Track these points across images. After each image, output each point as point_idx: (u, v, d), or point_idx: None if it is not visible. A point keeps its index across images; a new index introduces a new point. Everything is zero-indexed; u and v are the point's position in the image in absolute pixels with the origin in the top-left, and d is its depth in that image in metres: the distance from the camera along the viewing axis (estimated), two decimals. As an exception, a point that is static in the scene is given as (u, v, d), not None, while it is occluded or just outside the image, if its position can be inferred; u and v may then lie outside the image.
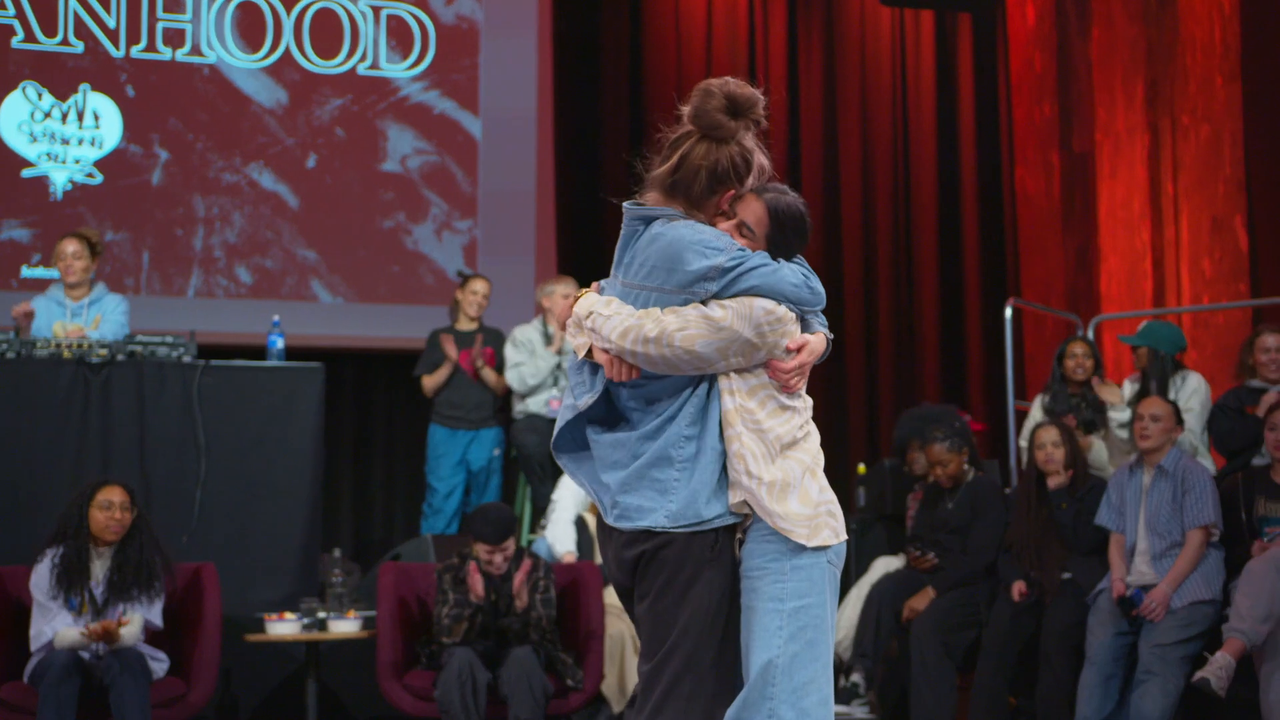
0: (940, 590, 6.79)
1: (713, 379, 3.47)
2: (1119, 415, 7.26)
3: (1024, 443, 7.35)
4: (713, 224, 3.61)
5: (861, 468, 8.63)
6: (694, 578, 3.43)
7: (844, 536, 3.55)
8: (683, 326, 3.40)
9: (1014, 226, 11.40)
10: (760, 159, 3.65)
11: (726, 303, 3.43)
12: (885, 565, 7.35)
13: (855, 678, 6.93)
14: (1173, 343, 7.35)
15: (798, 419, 3.55)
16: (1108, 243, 10.88)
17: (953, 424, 7.13)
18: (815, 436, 3.60)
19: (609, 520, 3.50)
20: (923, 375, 11.03)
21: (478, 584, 6.21)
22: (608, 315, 3.50)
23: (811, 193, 11.01)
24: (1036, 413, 7.58)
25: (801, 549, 3.46)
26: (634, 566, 3.48)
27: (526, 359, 8.04)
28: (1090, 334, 8.90)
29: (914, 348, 11.09)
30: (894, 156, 11.24)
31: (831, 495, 3.56)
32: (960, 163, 11.35)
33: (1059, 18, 11.34)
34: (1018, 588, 6.56)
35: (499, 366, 8.16)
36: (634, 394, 3.50)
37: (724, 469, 3.47)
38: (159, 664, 6.06)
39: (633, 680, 6.57)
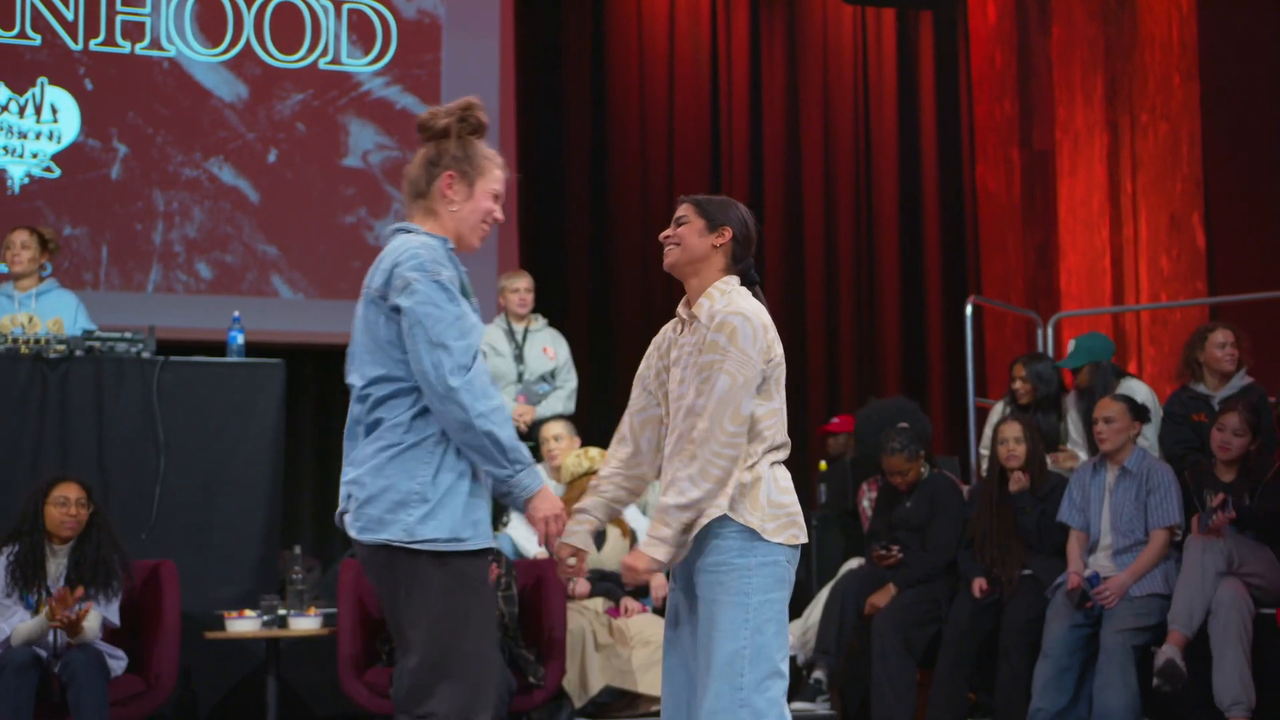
0: (901, 586, 6.81)
1: None
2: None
3: (985, 448, 7.38)
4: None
5: (823, 465, 8.64)
6: None
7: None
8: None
9: (975, 223, 11.45)
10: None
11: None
12: (849, 564, 7.38)
13: (818, 674, 6.95)
14: (1107, 350, 7.47)
15: None
16: (1067, 240, 10.93)
17: (907, 430, 7.10)
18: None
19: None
20: (884, 372, 11.06)
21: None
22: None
23: (774, 190, 11.06)
24: (999, 410, 7.61)
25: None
26: None
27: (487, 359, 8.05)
28: (1050, 331, 8.94)
29: (875, 344, 11.13)
30: (855, 153, 11.28)
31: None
32: (921, 160, 11.39)
33: (1019, 15, 11.39)
34: (978, 584, 6.60)
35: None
36: None
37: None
38: (117, 662, 6.03)
39: (594, 676, 6.61)
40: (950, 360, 10.90)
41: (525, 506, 3.55)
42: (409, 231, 3.63)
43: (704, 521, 3.57)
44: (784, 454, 3.71)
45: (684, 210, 3.87)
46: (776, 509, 3.61)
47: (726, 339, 3.63)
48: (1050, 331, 8.96)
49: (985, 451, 7.34)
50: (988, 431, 7.44)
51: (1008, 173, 11.42)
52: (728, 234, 3.81)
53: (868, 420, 7.82)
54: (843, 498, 7.96)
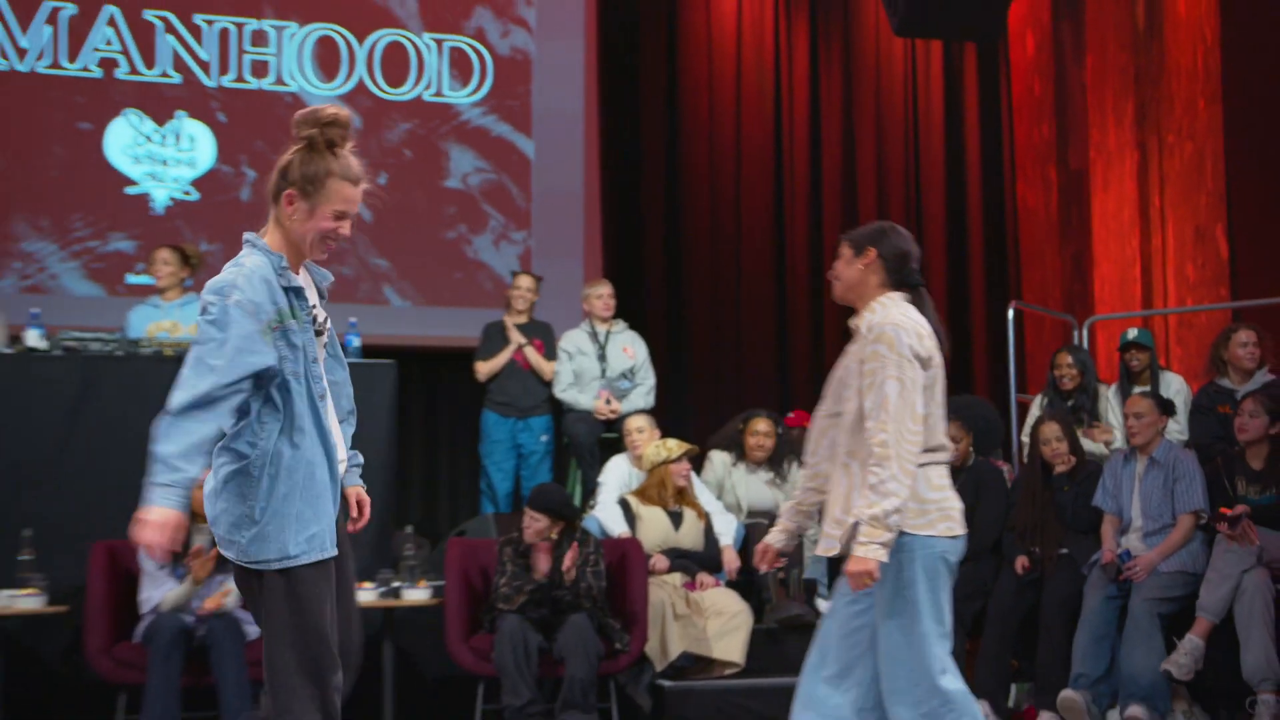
0: (950, 563, 6.82)
1: None
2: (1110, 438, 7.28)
3: (1025, 436, 7.37)
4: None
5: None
6: None
7: None
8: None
9: (1015, 236, 11.39)
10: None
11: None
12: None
13: (874, 642, 6.95)
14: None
15: None
16: (1100, 250, 10.86)
17: (963, 415, 7.09)
18: None
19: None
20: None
21: (542, 563, 6.27)
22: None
23: (831, 206, 11.04)
24: (1037, 410, 7.59)
25: None
26: None
27: (566, 363, 8.11)
28: (1085, 333, 8.91)
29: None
30: (906, 172, 11.24)
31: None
32: (966, 178, 11.34)
33: (1056, 47, 11.33)
34: (1020, 563, 6.59)
35: (549, 356, 8.20)
36: None
37: None
38: (252, 627, 6.09)
39: (673, 643, 6.62)
40: (993, 359, 10.86)
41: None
42: (251, 244, 3.45)
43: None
44: (938, 455, 3.63)
45: (840, 247, 3.87)
46: (925, 504, 3.56)
47: (886, 348, 3.61)
48: (1085, 333, 8.92)
49: (1025, 439, 7.33)
50: (1028, 423, 7.43)
51: (1045, 190, 11.37)
52: (872, 254, 3.79)
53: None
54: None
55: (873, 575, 3.50)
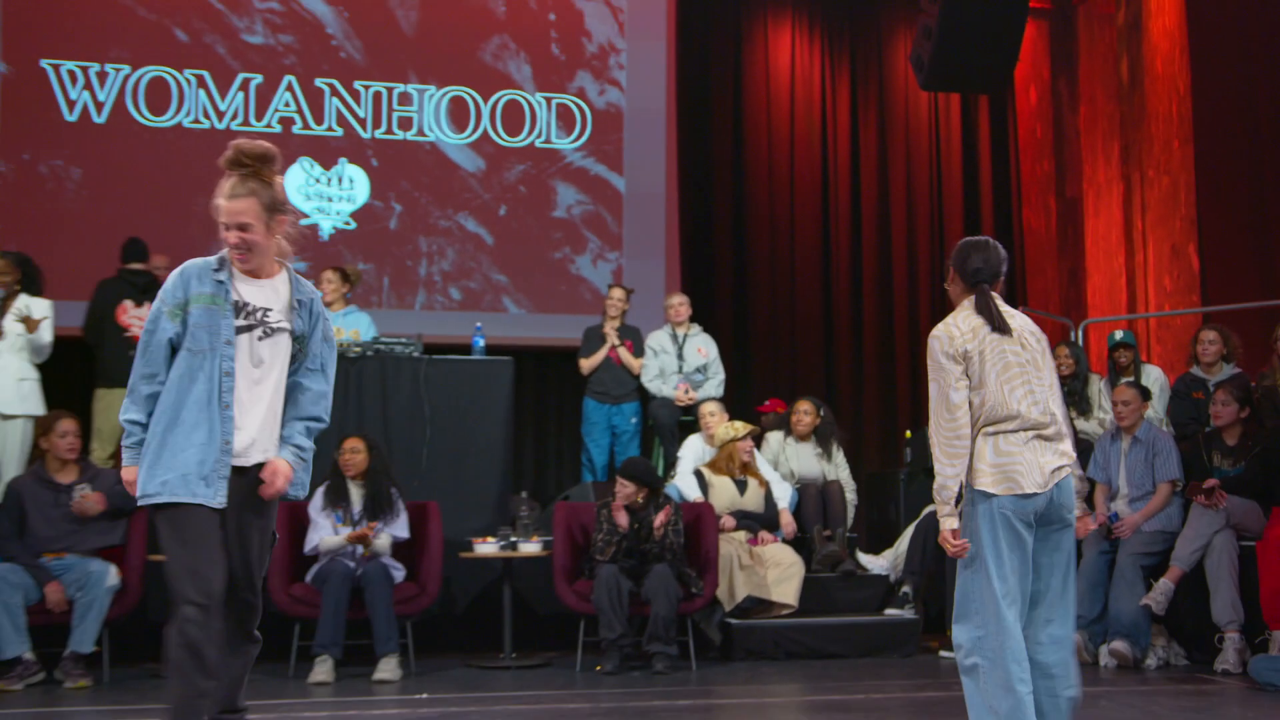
0: (967, 524, 6.74)
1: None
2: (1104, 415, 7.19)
3: None
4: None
5: (909, 433, 8.57)
6: None
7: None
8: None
9: (1021, 252, 11.24)
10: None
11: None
12: (929, 508, 7.31)
13: (906, 588, 6.91)
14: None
15: None
16: (1092, 264, 10.72)
17: None
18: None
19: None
20: (952, 364, 10.90)
21: (620, 517, 6.29)
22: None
23: (869, 230, 10.95)
24: None
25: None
26: None
27: (652, 359, 8.10)
28: (1080, 333, 8.78)
29: (946, 344, 10.96)
30: (930, 198, 11.13)
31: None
32: (980, 204, 11.21)
33: (1054, 97, 11.19)
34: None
35: (637, 354, 8.20)
36: None
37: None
38: (398, 572, 6.19)
39: (739, 588, 6.60)
40: (1003, 355, 10.70)
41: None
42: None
43: (953, 488, 3.48)
44: (1005, 425, 3.50)
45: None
46: (991, 468, 3.46)
47: (930, 356, 3.58)
48: (1080, 333, 8.79)
49: None
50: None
51: (1046, 215, 11.21)
52: (952, 271, 3.72)
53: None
54: (924, 458, 7.90)
55: (947, 539, 3.50)
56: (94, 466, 6.24)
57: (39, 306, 6.83)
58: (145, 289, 7.40)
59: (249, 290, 3.50)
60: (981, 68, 9.04)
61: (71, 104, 9.31)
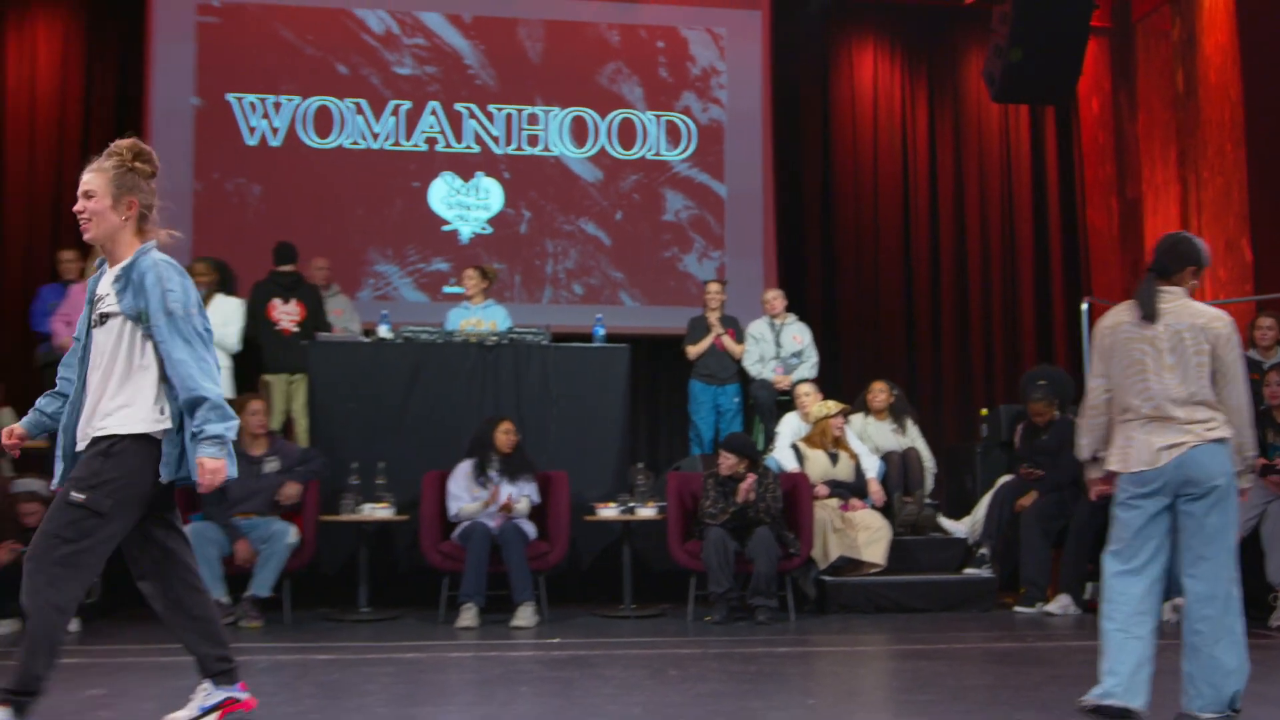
0: (1041, 493, 6.58)
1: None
2: None
3: None
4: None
5: (984, 411, 8.38)
6: None
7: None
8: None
9: (1086, 248, 10.92)
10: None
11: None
12: (1004, 478, 7.15)
13: (983, 551, 6.77)
14: None
15: None
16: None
17: (1046, 385, 6.83)
18: None
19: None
20: (1024, 352, 10.63)
21: (746, 490, 6.22)
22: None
23: (946, 225, 10.73)
24: None
25: None
26: None
27: (753, 346, 8.04)
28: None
29: (1017, 334, 10.69)
30: (1002, 201, 10.86)
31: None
32: (1048, 206, 10.91)
33: (1115, 107, 10.84)
34: (1095, 492, 6.31)
35: (739, 341, 8.14)
36: None
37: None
38: (530, 530, 6.24)
39: (831, 549, 6.53)
40: (1070, 341, 10.41)
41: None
42: None
43: (1085, 455, 3.66)
44: (1125, 415, 3.54)
45: None
46: (1115, 449, 3.54)
47: None
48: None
49: None
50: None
51: (1109, 214, 10.86)
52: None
53: (1026, 380, 7.55)
54: (999, 433, 7.72)
55: (1090, 498, 3.74)
56: (278, 438, 6.36)
57: (231, 305, 7.01)
58: (291, 288, 7.53)
59: (104, 282, 3.26)
60: (1048, 82, 8.93)
61: (252, 130, 9.54)
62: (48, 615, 3.01)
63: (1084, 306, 8.31)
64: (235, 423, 3.15)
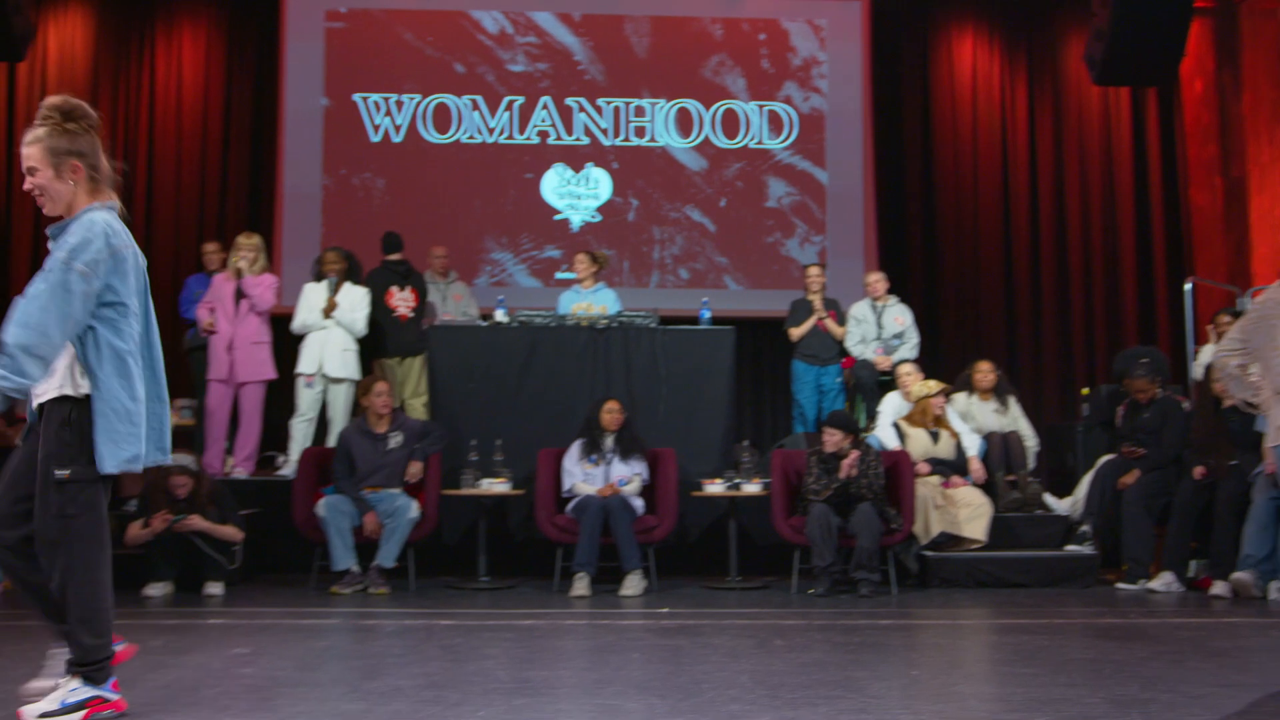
0: (1144, 471, 6.36)
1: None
2: None
3: (1198, 374, 6.80)
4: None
5: (1085, 390, 8.13)
6: None
7: None
8: None
9: (1189, 228, 10.48)
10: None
11: None
12: (1106, 456, 6.93)
13: (1085, 528, 6.57)
14: None
15: None
16: (1258, 237, 9.92)
17: (1148, 363, 6.60)
18: None
19: None
20: (1125, 329, 10.27)
21: (849, 466, 6.14)
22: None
23: (1045, 206, 10.41)
24: (1207, 355, 6.99)
25: None
26: None
27: (854, 327, 7.92)
28: (1247, 299, 8.13)
29: (1119, 314, 10.33)
30: (1103, 182, 10.49)
31: None
32: (1149, 186, 10.50)
33: (1219, 87, 10.37)
34: (1198, 470, 6.08)
35: (840, 323, 8.03)
36: None
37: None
38: (638, 504, 6.25)
39: (933, 525, 6.41)
40: (1174, 320, 10.02)
41: None
42: None
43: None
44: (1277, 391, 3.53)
45: None
46: (1273, 427, 3.48)
47: None
48: (1247, 299, 8.13)
49: (1199, 379, 6.75)
50: (1199, 368, 6.84)
51: (1212, 193, 10.40)
52: None
53: (1122, 360, 7.30)
54: (1101, 412, 7.48)
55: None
56: (402, 416, 6.48)
57: (358, 293, 7.17)
58: (406, 275, 7.62)
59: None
60: (1150, 63, 8.65)
61: (376, 128, 9.74)
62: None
63: (1187, 287, 8.00)
64: (23, 382, 2.80)
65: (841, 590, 6.02)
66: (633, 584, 5.92)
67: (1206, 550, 6.14)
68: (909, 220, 10.34)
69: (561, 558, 6.19)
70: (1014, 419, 7.18)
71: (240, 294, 7.01)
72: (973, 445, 6.85)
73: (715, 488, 6.40)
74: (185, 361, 7.65)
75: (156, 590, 5.79)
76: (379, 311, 7.48)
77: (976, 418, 7.20)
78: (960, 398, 7.30)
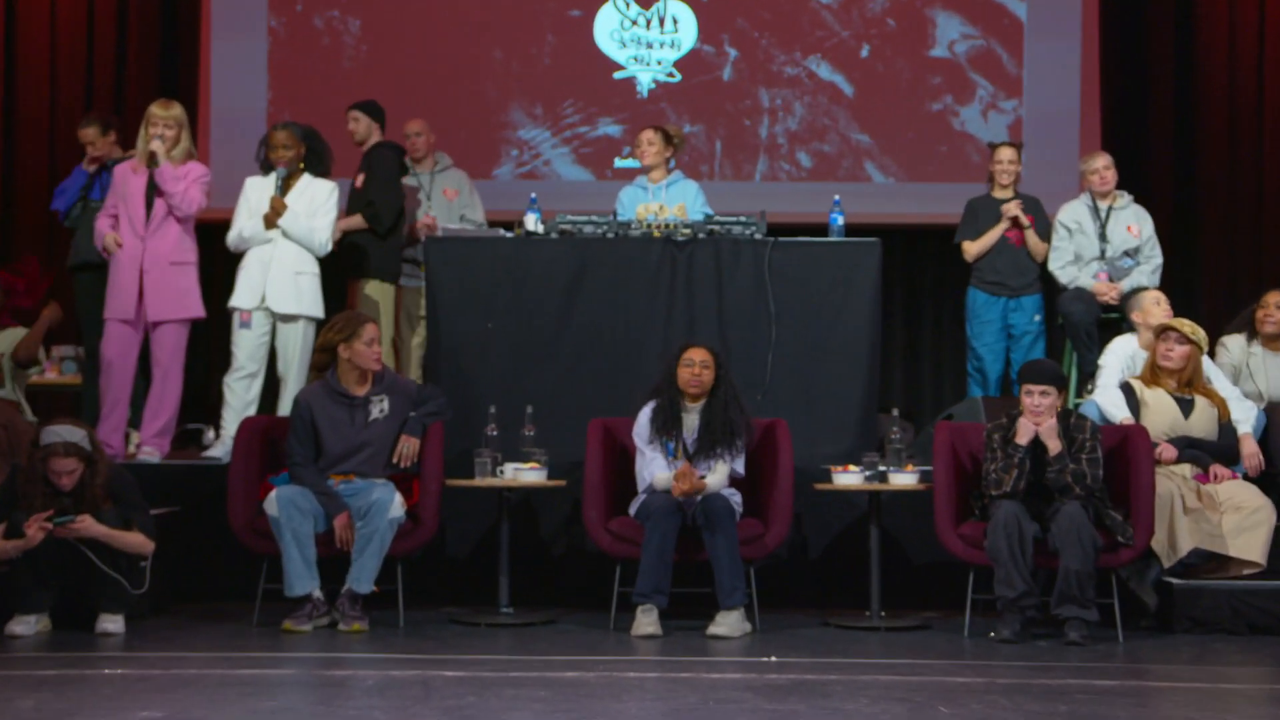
0: None
1: None
2: None
3: None
4: None
5: None
6: None
7: None
8: None
9: None
10: None
11: None
12: None
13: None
14: None
15: None
16: None
17: None
18: None
19: None
20: None
21: (1023, 431, 6.05)
22: None
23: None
24: None
25: None
26: None
27: (1065, 240, 7.80)
28: None
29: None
30: None
31: None
32: None
33: None
34: None
35: (1041, 233, 7.91)
36: None
37: None
38: (736, 501, 6.23)
39: (1182, 538, 6.33)
40: None
41: None
42: None
43: None
44: None
45: None
46: None
47: None
48: None
49: None
50: None
51: None
52: None
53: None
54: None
55: None
56: (387, 371, 6.48)
57: (322, 190, 7.21)
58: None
59: None
60: None
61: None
62: None
63: None
64: None
65: (1039, 634, 6.00)
66: (729, 622, 5.94)
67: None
68: (1152, 79, 10.16)
69: (619, 580, 6.21)
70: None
71: (154, 191, 7.09)
72: (1246, 419, 6.75)
73: (850, 478, 6.37)
74: (66, 285, 7.75)
75: (25, 627, 5.90)
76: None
77: (1256, 378, 7.14)
78: (1236, 345, 7.24)
